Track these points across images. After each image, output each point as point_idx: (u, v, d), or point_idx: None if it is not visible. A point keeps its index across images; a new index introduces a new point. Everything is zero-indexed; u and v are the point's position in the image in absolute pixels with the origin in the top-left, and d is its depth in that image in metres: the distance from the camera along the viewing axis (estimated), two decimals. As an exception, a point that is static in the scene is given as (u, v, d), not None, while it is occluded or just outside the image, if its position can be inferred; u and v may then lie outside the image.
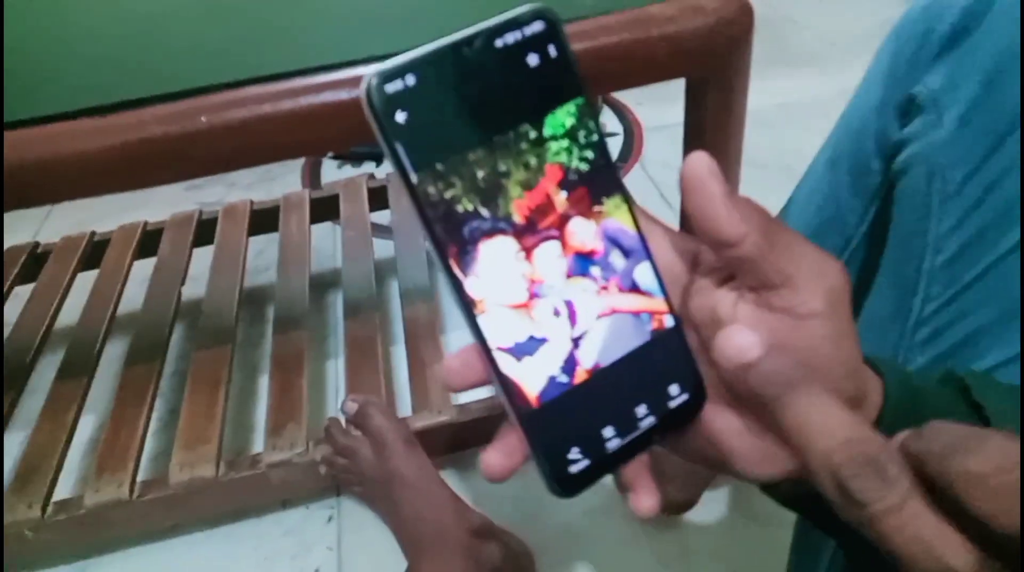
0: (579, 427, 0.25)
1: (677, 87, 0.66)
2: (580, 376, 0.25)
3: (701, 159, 0.24)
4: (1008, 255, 0.43)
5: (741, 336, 0.24)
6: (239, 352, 1.01)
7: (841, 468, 0.21)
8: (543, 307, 0.24)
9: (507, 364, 0.24)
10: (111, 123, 0.53)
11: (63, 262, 1.10)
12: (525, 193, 0.23)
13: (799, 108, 1.49)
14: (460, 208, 0.22)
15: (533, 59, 0.22)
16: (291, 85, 0.56)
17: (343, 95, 0.56)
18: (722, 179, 0.24)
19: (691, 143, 0.70)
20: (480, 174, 0.22)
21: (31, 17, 0.70)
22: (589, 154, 0.24)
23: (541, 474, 0.25)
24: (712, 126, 0.67)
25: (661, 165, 1.39)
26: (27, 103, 0.56)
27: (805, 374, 0.23)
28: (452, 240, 0.22)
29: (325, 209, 1.20)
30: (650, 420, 0.26)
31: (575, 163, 0.24)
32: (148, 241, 1.15)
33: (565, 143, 0.23)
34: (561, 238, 0.24)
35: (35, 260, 1.13)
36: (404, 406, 0.92)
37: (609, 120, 1.54)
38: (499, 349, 0.23)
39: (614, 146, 1.46)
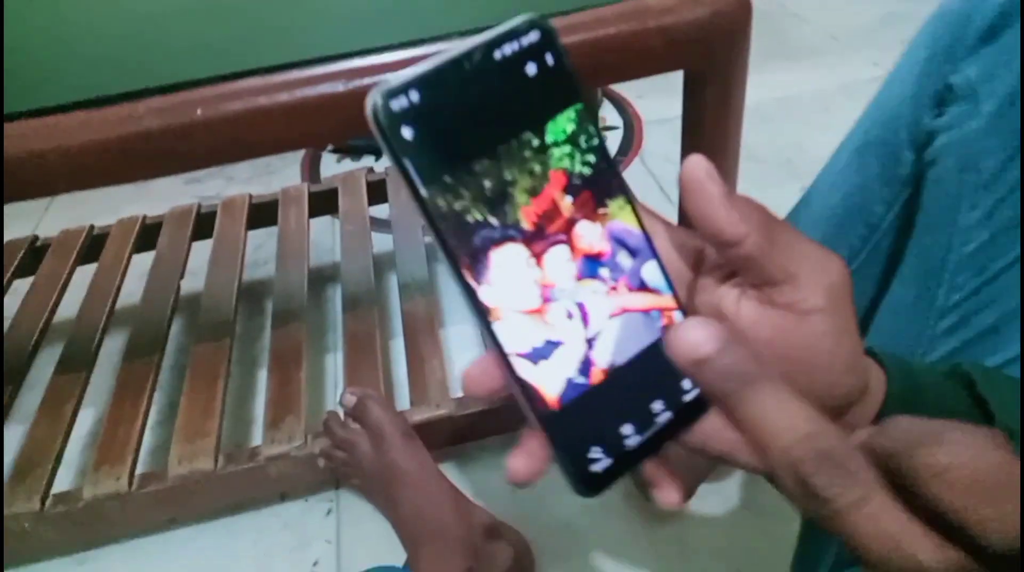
0: (599, 426, 0.25)
1: (677, 80, 0.66)
2: (596, 376, 0.25)
3: (698, 162, 0.25)
4: None
5: (694, 332, 0.24)
6: (238, 346, 1.01)
7: (802, 463, 0.21)
8: (556, 311, 0.24)
9: (525, 369, 0.24)
10: (107, 116, 0.53)
11: (62, 256, 1.10)
12: (532, 200, 0.24)
13: (799, 102, 1.48)
14: (470, 218, 0.23)
15: (531, 68, 0.23)
16: (287, 77, 0.56)
17: (339, 87, 0.56)
18: (720, 180, 0.24)
19: (689, 137, 0.69)
20: (487, 184, 0.23)
21: (28, 11, 0.70)
22: (591, 158, 0.24)
23: (564, 475, 0.25)
24: (710, 119, 0.67)
25: (661, 159, 1.39)
26: (23, 96, 0.56)
27: (762, 368, 0.23)
28: (464, 250, 0.23)
29: (324, 203, 1.20)
30: (666, 415, 0.26)
31: (578, 168, 0.24)
32: (147, 235, 1.15)
33: (567, 149, 0.24)
34: (569, 242, 0.24)
35: (34, 254, 1.13)
36: (402, 400, 0.92)
37: (609, 113, 1.53)
38: (516, 355, 0.24)
39: (614, 140, 1.46)
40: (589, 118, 0.24)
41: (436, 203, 0.22)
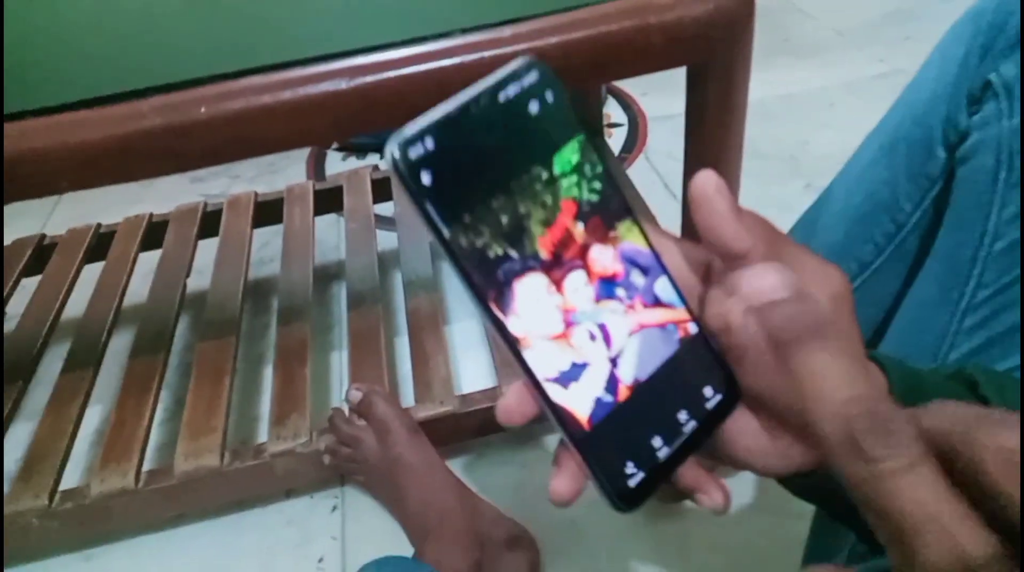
0: (630, 441, 0.26)
1: (681, 77, 0.66)
2: (623, 393, 0.26)
3: (708, 177, 0.25)
4: None
5: (771, 276, 0.25)
6: (243, 343, 1.02)
7: (855, 419, 0.21)
8: (580, 333, 0.25)
9: (556, 393, 0.25)
10: (110, 114, 0.53)
11: (69, 254, 1.11)
12: (547, 230, 0.25)
13: (803, 99, 1.48)
14: (491, 254, 0.24)
15: (534, 106, 0.24)
16: (290, 75, 0.56)
17: (342, 85, 0.56)
18: (728, 195, 0.25)
19: (692, 133, 0.69)
20: (504, 219, 0.24)
21: (32, 10, 0.70)
22: (597, 185, 0.26)
23: (602, 493, 0.26)
24: (713, 116, 0.67)
25: (665, 155, 1.39)
26: (26, 95, 0.56)
27: (827, 327, 0.23)
28: (488, 285, 0.24)
29: (329, 201, 1.20)
30: (692, 424, 0.27)
31: (586, 195, 0.25)
32: (153, 233, 1.15)
33: (575, 178, 0.25)
34: (585, 266, 0.26)
35: (41, 252, 1.14)
36: (407, 397, 0.92)
37: (614, 110, 1.53)
38: (547, 380, 0.25)
39: (619, 137, 1.46)
40: (592, 147, 0.25)
41: (458, 242, 0.23)
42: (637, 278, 0.27)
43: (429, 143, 0.22)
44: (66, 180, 0.53)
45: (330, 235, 1.28)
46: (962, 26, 0.52)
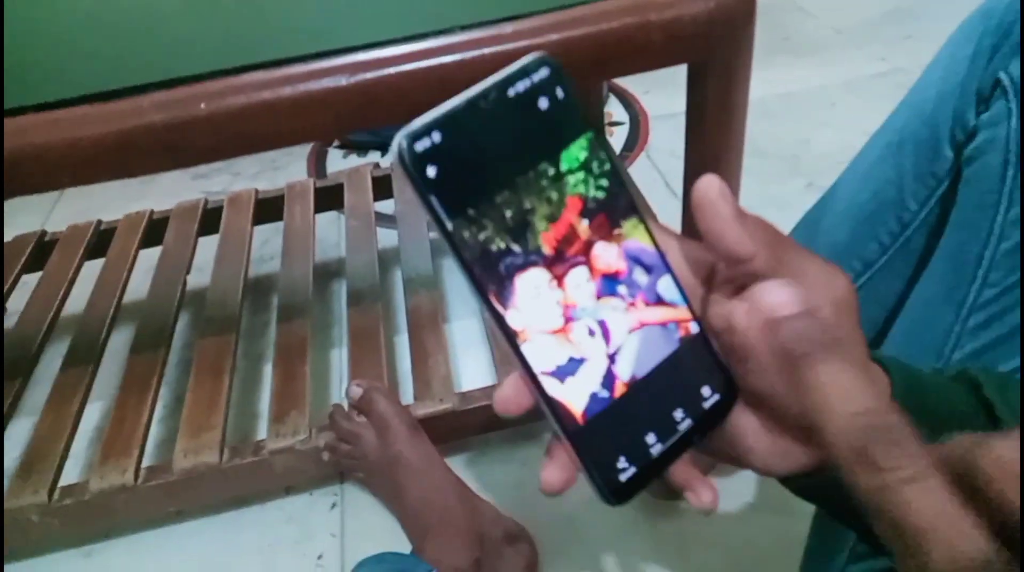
0: (623, 437, 0.26)
1: (683, 75, 0.66)
2: (619, 389, 0.26)
3: (711, 182, 0.26)
4: None
5: (779, 292, 0.25)
6: (243, 340, 1.02)
7: (864, 431, 0.21)
8: (579, 329, 0.26)
9: (552, 386, 0.25)
10: (111, 110, 0.53)
11: (69, 251, 1.11)
12: (551, 226, 0.25)
13: (804, 98, 1.48)
14: (494, 247, 0.24)
15: (543, 102, 0.24)
16: (290, 72, 0.56)
17: (342, 81, 0.56)
18: (731, 200, 0.26)
19: (692, 131, 0.69)
20: (509, 214, 0.24)
21: (32, 6, 0.70)
22: (604, 182, 0.26)
23: (592, 486, 0.26)
24: (713, 113, 0.66)
25: (667, 154, 1.39)
26: (26, 90, 0.56)
27: (836, 342, 0.24)
28: (490, 278, 0.24)
29: (329, 198, 1.20)
30: (688, 422, 0.27)
31: (592, 192, 0.26)
32: (153, 230, 1.15)
33: (581, 175, 0.25)
34: (588, 263, 0.26)
35: (42, 248, 1.14)
36: (406, 394, 0.93)
37: (615, 109, 1.53)
38: (543, 373, 0.25)
39: (620, 135, 1.46)
40: (601, 145, 0.26)
41: (462, 235, 0.23)
42: (640, 276, 0.27)
43: (436, 137, 0.23)
44: (67, 176, 0.53)
45: (331, 232, 1.28)
46: (971, 25, 0.52)
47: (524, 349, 0.25)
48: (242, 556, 0.84)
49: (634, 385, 0.26)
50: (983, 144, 0.49)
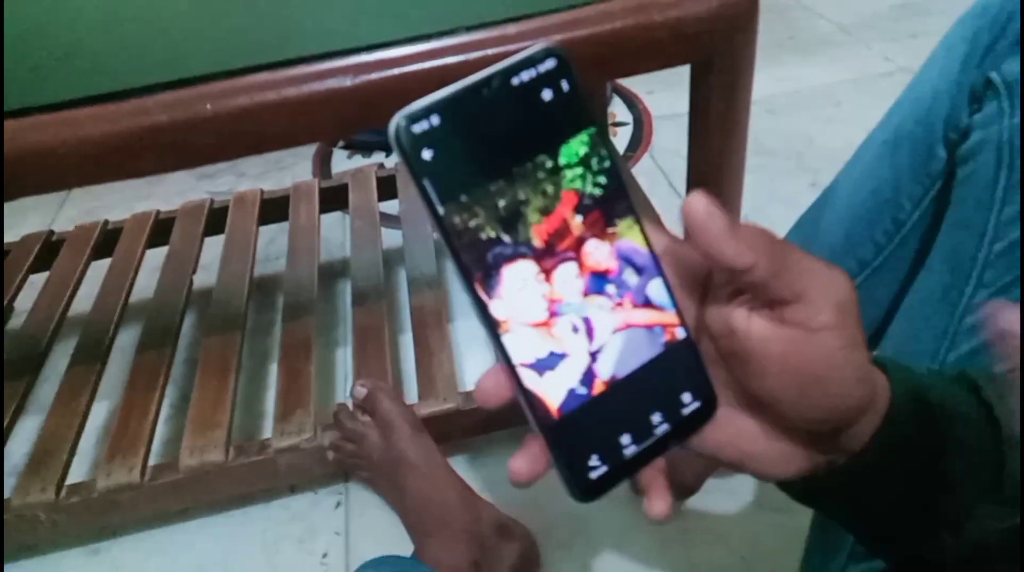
0: (598, 436, 0.26)
1: (687, 75, 0.66)
2: (598, 388, 0.26)
3: (697, 200, 0.25)
4: None
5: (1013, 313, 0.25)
6: (249, 339, 1.02)
7: None
8: (563, 324, 0.25)
9: (530, 379, 0.25)
10: (116, 111, 0.54)
11: (76, 250, 1.12)
12: (544, 219, 0.25)
13: (810, 95, 1.48)
14: (484, 236, 0.24)
15: (547, 94, 0.24)
16: (294, 72, 0.57)
17: (346, 82, 0.56)
18: (721, 214, 0.25)
19: (696, 130, 0.69)
20: (502, 203, 0.24)
21: (37, 7, 0.71)
22: (602, 179, 0.25)
23: (563, 481, 0.26)
24: (716, 113, 0.67)
25: (671, 154, 1.39)
26: (34, 91, 0.57)
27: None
28: (477, 266, 0.24)
29: (334, 198, 1.20)
30: (664, 427, 0.27)
31: (589, 189, 0.25)
32: (160, 230, 1.16)
33: (579, 170, 0.25)
34: (578, 259, 0.25)
35: (49, 248, 1.14)
36: (410, 393, 0.93)
37: (619, 109, 1.53)
38: (522, 365, 0.25)
39: (624, 135, 1.46)
40: (602, 141, 0.25)
41: (452, 221, 0.23)
42: (630, 277, 0.26)
43: (435, 120, 0.22)
44: (73, 176, 0.54)
45: (335, 232, 1.28)
46: (965, 23, 0.52)
47: (505, 339, 0.24)
48: (247, 554, 0.85)
49: (613, 385, 0.26)
50: (976, 144, 0.48)
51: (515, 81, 0.23)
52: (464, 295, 0.25)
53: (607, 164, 0.25)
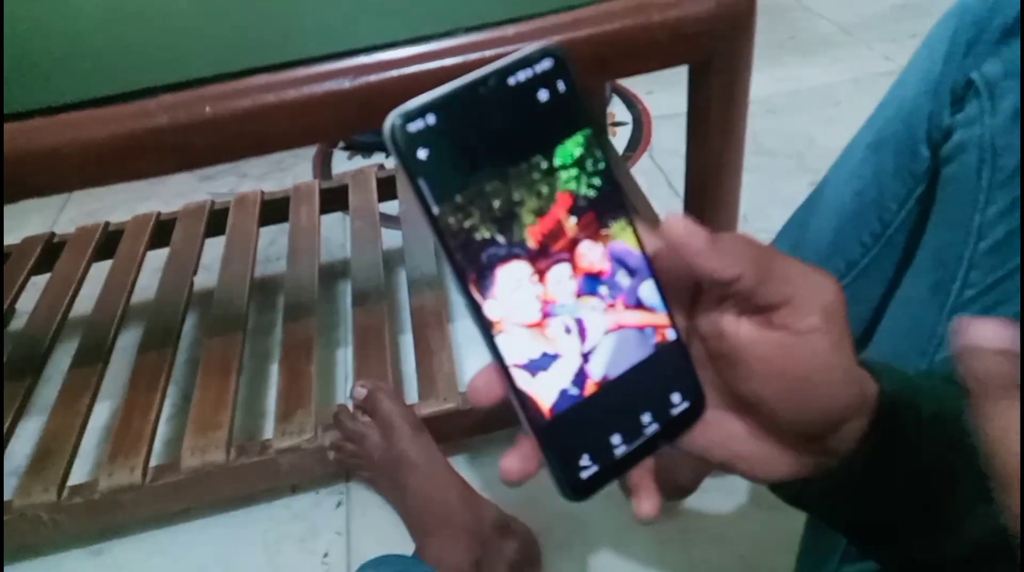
0: (589, 436, 0.26)
1: (686, 75, 0.66)
2: (590, 388, 0.26)
3: (675, 223, 0.26)
4: None
5: (988, 327, 0.25)
6: (250, 340, 1.03)
7: None
8: (555, 325, 0.25)
9: (523, 379, 0.25)
10: (118, 113, 0.54)
11: (78, 252, 1.12)
12: (538, 219, 0.25)
13: (810, 95, 1.48)
14: (478, 236, 0.24)
15: (543, 94, 0.24)
16: (295, 74, 0.57)
17: (345, 84, 0.56)
18: (701, 232, 0.26)
19: (694, 130, 0.69)
20: (496, 204, 0.24)
21: (38, 9, 0.71)
22: (597, 181, 0.25)
23: (554, 480, 0.26)
24: (715, 112, 0.67)
25: (670, 154, 1.39)
26: (33, 94, 0.57)
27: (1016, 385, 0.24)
28: (471, 266, 0.24)
29: (335, 199, 1.20)
30: (654, 427, 0.27)
31: (584, 190, 0.25)
32: (161, 231, 1.16)
33: (574, 172, 0.25)
34: (571, 260, 0.25)
35: (51, 250, 1.15)
36: (411, 394, 0.93)
37: (618, 109, 1.53)
38: (515, 366, 0.25)
39: (623, 135, 1.46)
40: (597, 143, 0.25)
41: (447, 221, 0.23)
42: (623, 278, 0.26)
43: (430, 119, 0.22)
44: (74, 178, 0.54)
45: (336, 233, 1.28)
46: (946, 22, 0.52)
47: (498, 340, 0.25)
48: (248, 554, 0.85)
49: (605, 386, 0.26)
50: (959, 144, 0.48)
51: (511, 81, 0.23)
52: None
53: (602, 165, 0.25)
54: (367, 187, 1.19)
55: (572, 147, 0.25)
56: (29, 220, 1.37)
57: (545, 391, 0.25)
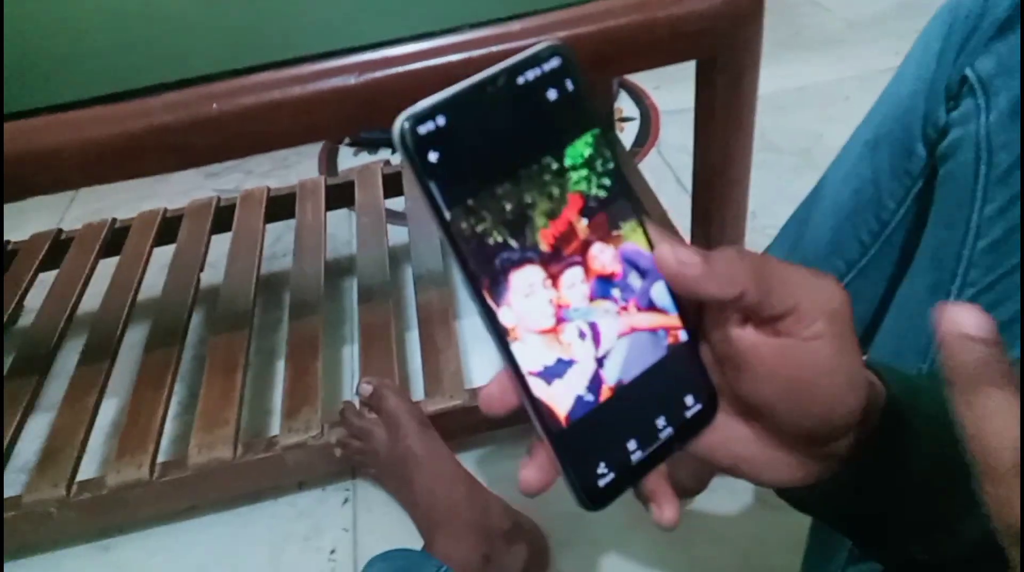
0: (605, 442, 0.26)
1: (694, 70, 0.66)
2: (605, 393, 0.26)
3: (666, 255, 0.26)
4: None
5: (970, 314, 0.25)
6: (256, 337, 1.03)
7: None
8: (570, 331, 0.25)
9: (539, 387, 0.25)
10: (123, 111, 0.54)
11: (85, 249, 1.13)
12: (550, 222, 0.24)
13: (817, 92, 1.47)
14: (490, 240, 0.23)
15: (552, 94, 0.24)
16: (300, 71, 0.57)
17: (351, 80, 0.56)
18: (693, 257, 0.25)
19: (701, 127, 0.69)
20: (508, 207, 0.23)
21: (41, 8, 0.71)
22: (606, 181, 0.25)
23: (571, 490, 0.26)
24: (722, 108, 0.66)
25: (677, 149, 1.38)
26: (37, 92, 0.57)
27: (1007, 374, 0.24)
28: (484, 271, 0.23)
29: (341, 195, 1.21)
30: (668, 431, 0.27)
31: (594, 191, 0.25)
32: (167, 228, 1.16)
33: (584, 172, 0.25)
34: (584, 263, 0.25)
35: (58, 247, 1.15)
36: (417, 390, 0.93)
37: (626, 104, 1.53)
38: (531, 374, 0.24)
39: (631, 131, 1.46)
40: (606, 142, 0.25)
41: (459, 225, 0.23)
42: (634, 280, 0.26)
43: (440, 120, 0.22)
44: (78, 176, 0.54)
45: (342, 230, 1.28)
46: (940, 20, 0.51)
47: (514, 348, 0.24)
48: (255, 550, 0.85)
49: (619, 390, 0.26)
50: (955, 142, 0.48)
51: (520, 80, 0.23)
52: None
53: (611, 166, 0.25)
54: (373, 183, 1.19)
55: (582, 147, 0.24)
56: (36, 217, 1.37)
57: (561, 398, 0.25)
